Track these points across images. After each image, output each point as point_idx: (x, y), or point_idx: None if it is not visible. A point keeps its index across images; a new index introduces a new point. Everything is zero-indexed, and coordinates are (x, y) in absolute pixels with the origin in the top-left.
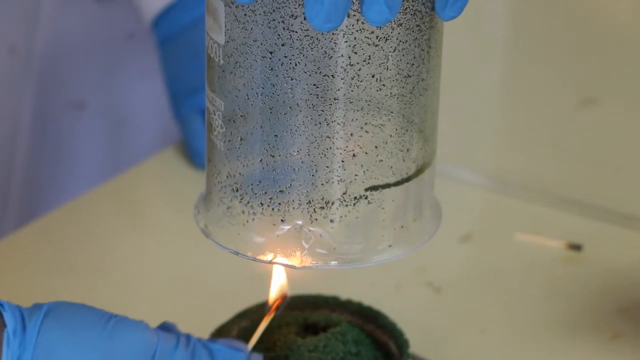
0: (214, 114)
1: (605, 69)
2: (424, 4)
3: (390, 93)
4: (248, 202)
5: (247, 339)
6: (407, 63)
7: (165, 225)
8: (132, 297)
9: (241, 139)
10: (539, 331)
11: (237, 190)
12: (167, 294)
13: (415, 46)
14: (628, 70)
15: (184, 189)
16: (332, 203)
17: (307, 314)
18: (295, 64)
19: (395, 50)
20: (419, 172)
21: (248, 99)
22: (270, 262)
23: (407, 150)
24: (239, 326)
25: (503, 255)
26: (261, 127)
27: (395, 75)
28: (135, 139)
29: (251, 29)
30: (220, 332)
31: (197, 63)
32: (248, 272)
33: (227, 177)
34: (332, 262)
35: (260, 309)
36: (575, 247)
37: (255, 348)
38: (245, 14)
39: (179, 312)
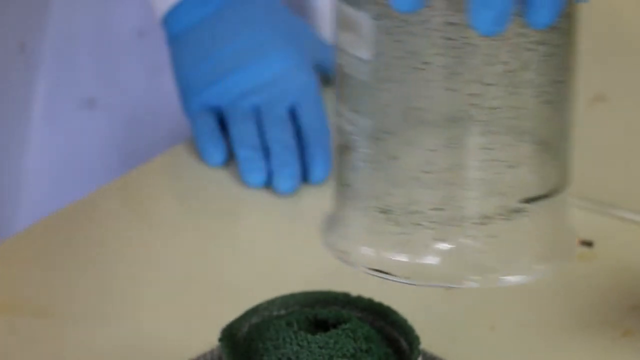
0: (355, 135)
1: (615, 67)
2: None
3: (545, 100)
4: (399, 223)
5: (257, 336)
6: (559, 68)
7: (175, 223)
8: (141, 294)
9: (391, 158)
10: (549, 328)
11: (385, 212)
12: (177, 291)
13: (565, 51)
14: (638, 68)
15: (195, 186)
16: (489, 218)
17: (317, 310)
18: (453, 74)
19: (551, 55)
20: (563, 187)
21: (400, 114)
22: (427, 286)
23: (564, 162)
24: (250, 323)
25: None
26: (415, 143)
27: (549, 81)
28: (146, 137)
29: (404, 40)
30: (231, 329)
31: (207, 60)
32: (259, 269)
33: (374, 199)
34: (491, 280)
35: (271, 305)
36: (587, 244)
37: (265, 345)
38: (397, 26)
39: (189, 309)
